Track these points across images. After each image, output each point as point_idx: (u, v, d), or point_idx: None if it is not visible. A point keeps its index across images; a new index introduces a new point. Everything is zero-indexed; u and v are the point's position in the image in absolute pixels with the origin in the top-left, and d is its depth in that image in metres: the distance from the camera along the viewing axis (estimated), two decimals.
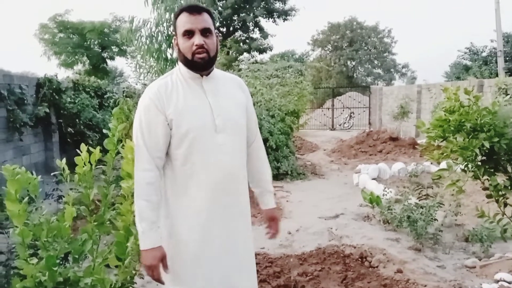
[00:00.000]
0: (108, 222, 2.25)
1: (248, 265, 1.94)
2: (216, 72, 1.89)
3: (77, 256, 2.10)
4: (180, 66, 1.84)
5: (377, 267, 3.60)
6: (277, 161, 7.99)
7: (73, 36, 20.66)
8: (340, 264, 3.69)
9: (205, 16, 1.77)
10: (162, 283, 1.79)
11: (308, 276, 3.47)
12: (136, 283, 2.26)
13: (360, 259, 3.75)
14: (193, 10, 1.76)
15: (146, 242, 1.73)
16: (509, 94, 8.93)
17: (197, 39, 1.73)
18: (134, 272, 2.17)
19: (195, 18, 1.74)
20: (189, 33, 1.74)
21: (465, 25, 73.66)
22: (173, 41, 1.88)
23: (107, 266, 2.18)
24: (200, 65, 1.77)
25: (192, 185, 1.76)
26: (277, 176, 7.90)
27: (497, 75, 15.50)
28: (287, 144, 8.47)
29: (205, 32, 1.75)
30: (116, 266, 2.10)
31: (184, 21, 1.75)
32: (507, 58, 20.72)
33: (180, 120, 1.73)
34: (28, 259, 1.89)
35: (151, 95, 1.77)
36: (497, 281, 3.29)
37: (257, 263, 3.69)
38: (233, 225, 1.84)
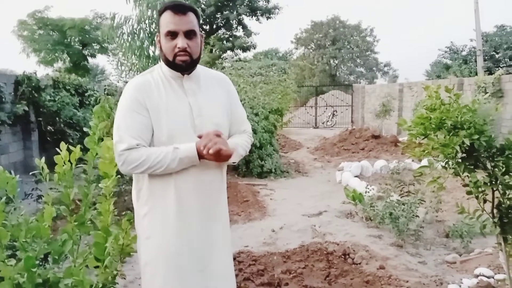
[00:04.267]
0: (89, 222, 2.21)
1: (226, 269, 1.90)
2: (199, 70, 1.84)
3: (57, 257, 2.06)
4: (161, 63, 1.80)
5: (360, 263, 3.63)
6: (261, 159, 8.00)
7: (53, 33, 20.28)
8: (323, 261, 3.71)
9: (191, 16, 1.71)
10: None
11: (292, 273, 3.48)
12: (117, 283, 2.22)
13: (343, 256, 3.78)
14: (178, 9, 1.69)
15: (187, 152, 1.66)
16: (488, 92, 9.12)
17: (180, 42, 1.68)
18: (115, 272, 2.14)
19: (179, 18, 1.68)
20: (172, 34, 1.68)
21: (446, 25, 74.88)
22: (155, 38, 1.84)
23: (88, 266, 2.14)
24: (182, 67, 1.73)
25: (171, 186, 1.73)
26: (261, 174, 7.92)
27: (476, 74, 15.80)
28: (271, 142, 8.48)
29: (189, 34, 1.70)
30: (96, 267, 2.06)
31: (168, 21, 1.69)
32: (486, 57, 21.17)
33: (159, 120, 1.69)
34: (6, 260, 1.84)
35: (132, 89, 1.73)
36: (477, 276, 3.35)
37: (241, 261, 3.70)
38: (211, 227, 1.81)
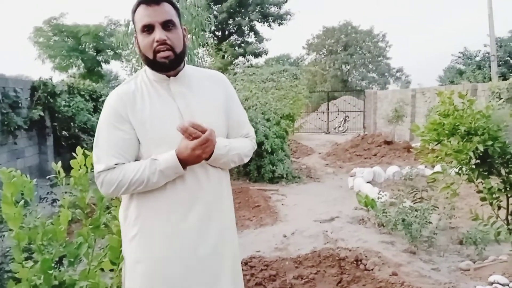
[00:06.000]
0: (103, 225, 2.25)
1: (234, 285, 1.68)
2: (188, 70, 1.65)
3: (72, 260, 2.10)
4: (146, 67, 1.62)
5: (372, 270, 3.61)
6: (272, 164, 8.01)
7: (68, 39, 20.65)
8: (335, 267, 3.69)
9: (166, 6, 1.54)
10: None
11: (304, 279, 3.47)
12: None
13: (355, 262, 3.76)
14: (151, 1, 1.52)
15: (167, 161, 1.47)
16: (502, 98, 9.02)
17: (158, 34, 1.49)
18: None
19: (153, 10, 1.51)
20: (148, 28, 1.51)
21: (459, 30, 74.26)
22: (133, 39, 1.64)
23: (102, 269, 2.18)
24: (165, 65, 1.53)
25: (164, 202, 1.53)
26: (273, 179, 7.92)
27: (490, 79, 15.63)
28: (282, 147, 8.49)
29: (167, 24, 1.52)
30: (111, 270, 2.09)
31: (142, 15, 1.52)
32: (500, 63, 20.95)
33: (144, 132, 1.52)
34: (23, 262, 1.88)
35: (112, 101, 1.56)
36: (491, 284, 3.30)
37: (252, 266, 3.70)
38: (212, 252, 1.59)
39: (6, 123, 7.28)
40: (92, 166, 2.24)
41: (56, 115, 8.71)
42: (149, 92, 1.57)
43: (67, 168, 2.20)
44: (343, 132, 19.75)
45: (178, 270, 1.54)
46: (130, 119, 1.53)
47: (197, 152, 1.47)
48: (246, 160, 1.73)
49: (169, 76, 1.59)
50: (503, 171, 2.36)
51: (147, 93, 1.57)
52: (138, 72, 1.67)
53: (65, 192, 2.59)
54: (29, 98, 8.29)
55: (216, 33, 26.50)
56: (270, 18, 26.77)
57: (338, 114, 21.49)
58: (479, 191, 2.50)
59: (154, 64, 1.54)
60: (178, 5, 1.64)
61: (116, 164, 1.49)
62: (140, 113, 1.53)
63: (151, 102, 1.55)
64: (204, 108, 1.59)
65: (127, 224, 1.60)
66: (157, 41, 1.49)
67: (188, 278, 1.54)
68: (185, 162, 1.48)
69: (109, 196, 1.74)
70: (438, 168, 2.80)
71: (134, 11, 1.56)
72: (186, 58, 1.67)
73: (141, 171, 1.47)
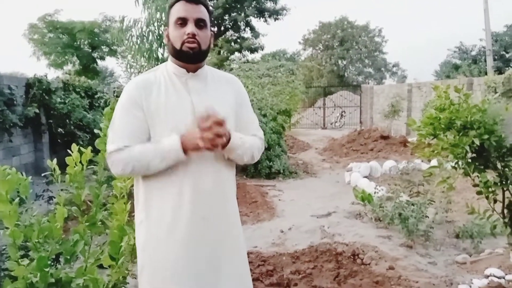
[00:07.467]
0: (100, 222, 2.24)
1: (238, 275, 1.73)
2: (206, 70, 1.75)
3: (68, 257, 2.09)
4: (168, 61, 1.74)
5: (369, 264, 3.62)
6: (269, 160, 8.02)
7: (63, 36, 20.49)
8: (332, 261, 3.70)
9: (202, 8, 1.68)
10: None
11: (301, 274, 3.48)
12: (128, 283, 2.25)
13: (352, 257, 3.77)
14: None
15: (170, 145, 1.54)
16: (498, 92, 9.05)
17: (190, 28, 1.62)
18: (126, 272, 2.16)
19: (191, 7, 1.65)
20: (182, 21, 1.63)
21: (455, 25, 74.33)
22: (163, 31, 1.77)
23: (99, 266, 2.17)
24: (189, 55, 1.63)
25: (172, 192, 1.59)
26: (269, 175, 7.93)
27: (486, 74, 15.66)
28: (279, 143, 8.49)
29: (199, 23, 1.65)
30: (109, 266, 2.09)
31: (179, 8, 1.65)
32: (495, 57, 21.02)
33: (155, 121, 1.61)
34: (19, 260, 1.87)
35: (130, 88, 1.66)
36: (487, 276, 3.32)
37: (250, 262, 3.69)
38: (219, 237, 1.65)
39: (1, 120, 7.25)
40: (88, 163, 2.25)
41: (52, 112, 8.67)
42: (166, 84, 1.66)
43: (63, 165, 2.19)
44: (340, 127, 19.77)
45: (180, 258, 1.60)
46: (144, 106, 1.61)
47: (197, 134, 1.50)
48: (256, 159, 1.79)
49: (188, 72, 1.68)
50: (499, 165, 2.37)
51: (164, 85, 1.66)
52: (159, 66, 1.77)
53: (61, 190, 2.59)
54: (24, 95, 8.24)
55: (212, 28, 26.38)
56: (266, 13, 26.63)
57: (334, 109, 21.51)
58: (475, 185, 2.50)
59: (179, 53, 1.65)
60: (210, 10, 1.76)
61: (126, 146, 1.58)
62: (154, 103, 1.62)
63: (167, 94, 1.65)
64: (216, 106, 1.61)
65: (138, 209, 1.69)
66: (187, 34, 1.62)
67: (190, 267, 1.60)
68: (185, 145, 1.54)
69: (119, 176, 1.82)
70: (434, 162, 2.81)
71: (171, 5, 1.69)
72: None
73: (146, 152, 1.56)
